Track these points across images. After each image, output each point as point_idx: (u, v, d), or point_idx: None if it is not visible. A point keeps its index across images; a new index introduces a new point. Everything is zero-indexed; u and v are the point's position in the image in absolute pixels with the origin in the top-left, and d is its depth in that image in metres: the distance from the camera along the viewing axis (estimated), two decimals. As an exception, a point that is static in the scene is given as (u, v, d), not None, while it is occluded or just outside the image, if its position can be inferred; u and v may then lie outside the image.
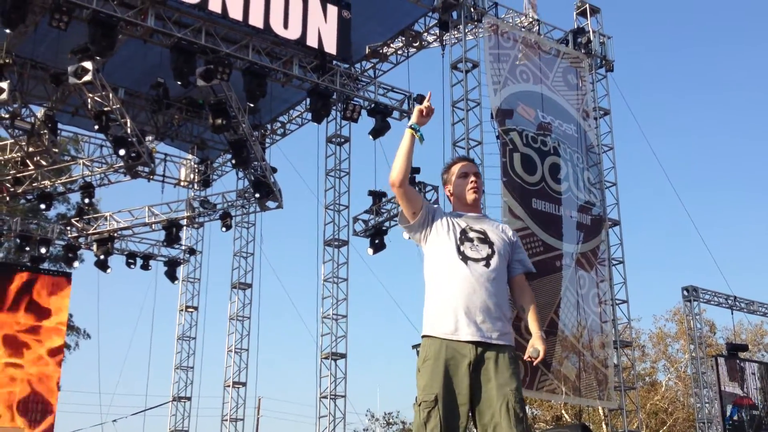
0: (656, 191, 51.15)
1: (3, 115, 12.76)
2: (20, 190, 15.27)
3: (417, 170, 13.95)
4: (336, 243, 15.75)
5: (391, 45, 14.78)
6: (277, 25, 12.04)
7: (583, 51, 14.66)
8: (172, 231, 16.63)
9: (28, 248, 16.47)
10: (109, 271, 16.93)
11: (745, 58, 52.49)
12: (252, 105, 13.11)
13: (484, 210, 8.84)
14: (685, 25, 55.66)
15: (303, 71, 12.92)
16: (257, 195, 15.03)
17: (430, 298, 3.21)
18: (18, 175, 14.95)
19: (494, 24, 13.19)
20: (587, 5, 15.13)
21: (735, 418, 17.64)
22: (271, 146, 17.16)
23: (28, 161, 14.33)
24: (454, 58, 13.18)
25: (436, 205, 3.37)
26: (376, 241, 15.02)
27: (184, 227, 17.82)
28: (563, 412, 25.28)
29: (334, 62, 13.20)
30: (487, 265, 3.17)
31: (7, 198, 15.57)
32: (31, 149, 13.77)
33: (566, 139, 13.42)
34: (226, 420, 17.05)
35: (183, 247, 18.42)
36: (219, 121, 13.10)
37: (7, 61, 12.01)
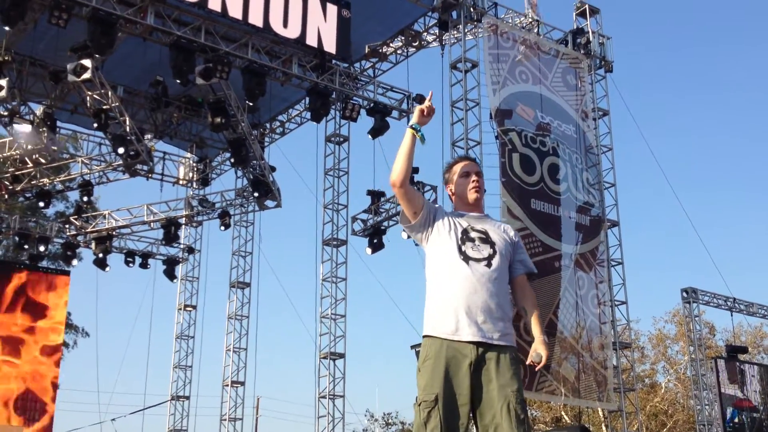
0: (655, 192, 51.13)
1: (2, 112, 12.75)
2: (19, 188, 15.27)
3: (416, 170, 13.93)
4: (335, 242, 15.73)
5: (391, 44, 14.77)
6: (276, 24, 12.03)
7: (582, 51, 14.64)
8: (170, 229, 16.63)
9: (26, 246, 16.45)
10: (108, 269, 16.92)
11: (745, 59, 52.50)
12: (251, 104, 13.11)
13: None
14: (684, 25, 55.68)
15: (302, 70, 12.91)
16: (256, 194, 15.02)
17: (431, 298, 3.19)
18: (17, 173, 14.94)
19: (494, 24, 13.18)
20: (587, 6, 15.12)
21: (735, 420, 17.61)
22: (270, 145, 17.16)
23: (27, 159, 14.32)
24: (454, 57, 13.19)
25: (437, 205, 3.35)
26: (375, 241, 15.01)
27: (183, 226, 17.81)
28: (563, 413, 25.25)
29: (334, 61, 13.20)
30: (489, 265, 3.15)
31: (6, 196, 15.57)
32: (30, 147, 13.76)
33: (565, 139, 13.41)
34: (225, 419, 17.03)
35: (182, 246, 18.41)
36: (218, 119, 13.10)
37: (6, 58, 12.01)
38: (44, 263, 17.85)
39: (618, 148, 15.42)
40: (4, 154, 14.71)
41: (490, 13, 13.56)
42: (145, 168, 15.46)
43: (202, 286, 18.80)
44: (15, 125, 13.19)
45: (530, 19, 14.32)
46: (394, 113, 14.23)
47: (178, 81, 12.08)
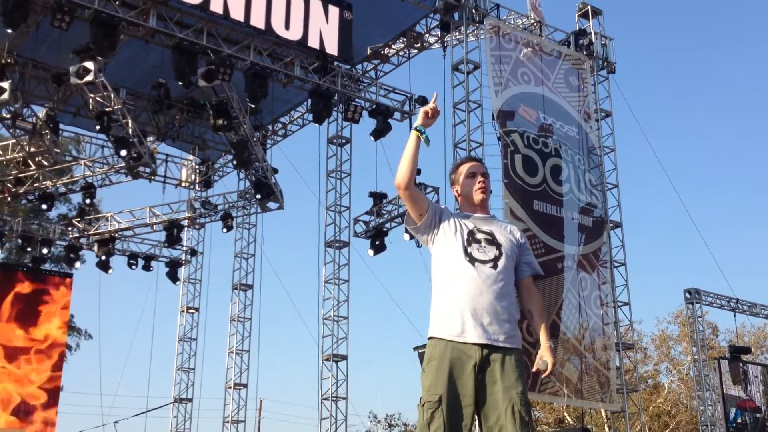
0: (658, 193, 51.14)
1: (4, 115, 12.77)
2: (22, 191, 15.28)
3: (418, 172, 13.91)
4: (337, 244, 15.73)
5: (393, 46, 14.77)
6: (278, 26, 12.04)
7: (584, 53, 14.63)
8: (173, 232, 16.63)
9: (29, 249, 16.47)
10: (110, 271, 16.93)
11: (747, 60, 52.46)
12: (253, 106, 13.11)
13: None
14: (686, 26, 55.66)
15: (304, 72, 12.92)
16: (258, 196, 15.02)
17: (437, 300, 3.18)
18: (19, 176, 14.95)
19: (496, 25, 13.18)
20: (589, 7, 15.12)
21: (738, 421, 17.58)
22: (272, 147, 17.18)
23: (29, 161, 14.33)
24: (456, 59, 13.19)
25: (443, 206, 3.34)
26: (377, 243, 15.01)
27: (185, 228, 17.81)
28: (565, 414, 25.23)
29: (336, 63, 13.20)
30: (495, 266, 3.14)
31: (9, 198, 15.58)
32: (32, 149, 13.78)
33: (568, 140, 13.40)
34: (228, 422, 17.03)
35: (184, 248, 18.42)
36: (220, 121, 13.10)
37: (8, 61, 12.02)
38: (47, 266, 17.86)
39: (620, 149, 15.40)
40: (7, 157, 14.73)
41: (492, 14, 13.56)
42: (148, 170, 15.47)
43: (204, 289, 18.80)
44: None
45: (532, 21, 14.31)
46: (396, 115, 14.23)
47: (180, 83, 12.10)
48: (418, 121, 3.19)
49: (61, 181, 16.12)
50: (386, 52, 14.84)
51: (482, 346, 3.05)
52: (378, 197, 15.16)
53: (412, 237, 14.12)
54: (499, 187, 11.99)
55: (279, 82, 13.38)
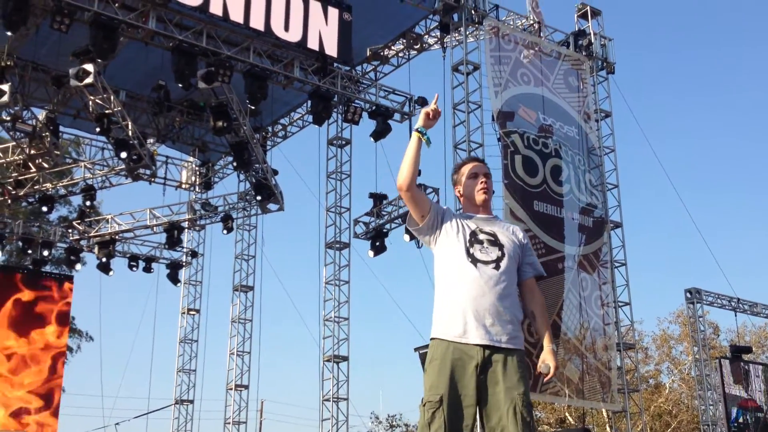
0: (658, 193, 51.13)
1: (4, 117, 12.76)
2: (22, 193, 15.28)
3: (418, 173, 13.91)
4: (337, 245, 15.73)
5: (392, 47, 14.78)
6: (278, 28, 12.04)
7: (584, 53, 14.63)
8: (173, 233, 16.64)
9: (30, 251, 16.48)
10: (111, 273, 16.94)
11: (747, 60, 52.46)
12: (253, 107, 13.11)
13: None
14: (686, 26, 55.65)
15: (304, 73, 12.92)
16: (258, 197, 15.03)
17: (440, 301, 3.19)
18: (20, 178, 14.95)
19: (495, 26, 13.18)
20: (588, 7, 15.12)
21: (740, 420, 17.58)
22: (272, 149, 17.18)
23: (29, 164, 14.33)
24: (455, 60, 13.19)
25: (445, 207, 3.34)
26: (377, 244, 15.01)
27: (186, 230, 17.81)
28: (567, 414, 25.22)
29: (335, 65, 13.20)
30: (497, 267, 3.14)
31: (9, 201, 15.58)
32: (32, 152, 13.78)
33: (567, 141, 13.40)
34: (229, 423, 17.02)
35: (185, 250, 18.42)
36: (220, 123, 13.11)
37: (8, 63, 12.03)
38: (47, 268, 17.87)
39: (620, 150, 15.39)
40: (7, 159, 14.73)
41: (492, 15, 13.56)
42: (148, 172, 15.48)
43: (205, 290, 18.81)
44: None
45: (531, 21, 14.31)
46: (396, 116, 14.23)
47: (180, 85, 12.11)
48: (419, 122, 3.19)
49: (61, 184, 16.13)
50: (386, 53, 14.85)
51: (484, 346, 3.05)
52: (378, 198, 15.16)
53: (412, 238, 14.12)
54: (499, 188, 12.00)
55: (279, 84, 13.38)
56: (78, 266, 17.16)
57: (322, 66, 12.74)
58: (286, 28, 12.10)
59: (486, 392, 3.03)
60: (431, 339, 3.17)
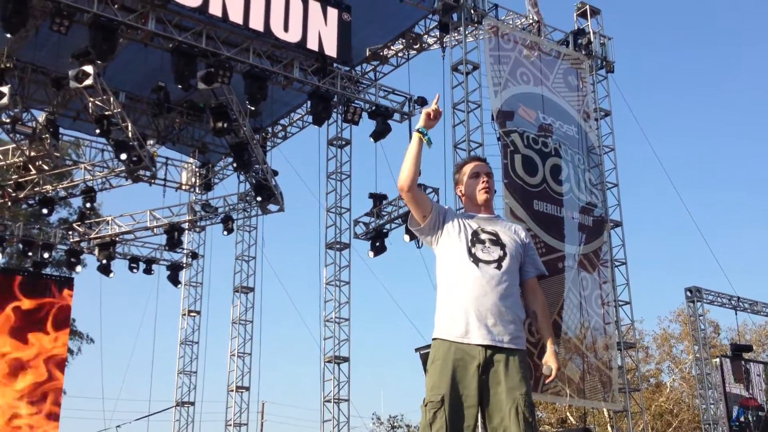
0: (658, 192, 51.14)
1: (4, 119, 12.76)
2: (22, 195, 15.27)
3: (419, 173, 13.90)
4: (338, 246, 15.73)
5: (392, 47, 14.78)
6: (277, 29, 12.05)
7: (583, 52, 14.64)
8: (173, 235, 16.63)
9: (30, 253, 16.47)
10: (112, 275, 16.93)
11: (746, 59, 52.46)
12: (253, 108, 13.12)
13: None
14: (685, 25, 55.66)
15: (304, 74, 12.92)
16: (259, 198, 15.03)
17: (442, 301, 3.18)
18: (20, 180, 14.95)
19: (494, 26, 13.18)
20: (587, 6, 15.12)
21: (741, 419, 17.57)
22: (272, 149, 17.18)
23: (29, 166, 14.33)
24: (455, 60, 13.19)
25: (447, 207, 3.34)
26: (377, 244, 15.00)
27: (186, 231, 17.80)
28: (568, 414, 25.21)
29: (335, 65, 13.20)
30: (499, 267, 3.14)
31: (9, 203, 15.58)
32: (32, 154, 13.78)
33: (567, 140, 13.40)
34: (230, 425, 17.02)
35: (185, 251, 18.42)
36: (220, 124, 13.11)
37: (8, 65, 12.02)
38: (48, 270, 17.86)
39: (620, 149, 15.39)
40: (7, 161, 14.73)
41: (491, 14, 13.56)
42: (148, 174, 15.48)
43: (205, 292, 18.79)
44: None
45: (531, 21, 14.32)
46: (396, 116, 14.23)
47: (179, 86, 12.10)
48: (420, 122, 3.19)
49: (61, 185, 16.13)
50: (385, 53, 14.85)
51: (486, 347, 3.05)
52: (378, 198, 15.15)
53: (412, 238, 14.12)
54: (499, 188, 12.00)
55: (278, 84, 13.38)
56: (78, 268, 17.15)
57: (322, 66, 12.74)
58: (286, 29, 12.11)
59: (488, 392, 3.03)
60: (433, 339, 3.17)
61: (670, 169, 45.55)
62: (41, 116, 13.98)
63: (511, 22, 14.06)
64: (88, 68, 11.53)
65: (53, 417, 15.56)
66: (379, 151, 15.42)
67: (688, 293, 18.27)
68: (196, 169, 17.72)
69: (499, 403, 3.01)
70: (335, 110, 14.61)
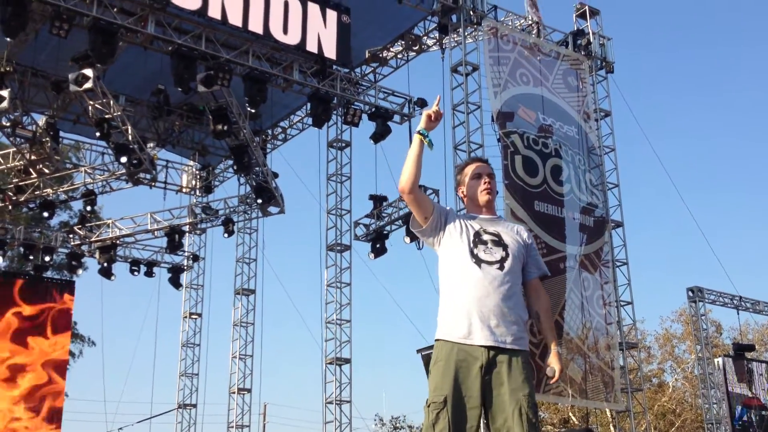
0: (659, 192, 51.13)
1: (4, 123, 12.78)
2: (22, 199, 15.28)
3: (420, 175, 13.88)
4: (338, 248, 15.72)
5: (391, 49, 14.79)
6: (276, 31, 12.05)
7: (583, 53, 14.63)
8: (174, 238, 16.63)
9: (31, 257, 16.47)
10: (113, 278, 16.94)
11: (746, 59, 52.45)
12: (253, 110, 13.12)
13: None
14: (684, 26, 55.66)
15: (303, 76, 12.92)
16: (259, 200, 15.03)
17: (444, 302, 3.18)
18: (20, 184, 14.96)
19: (494, 27, 13.18)
20: (586, 7, 15.11)
21: (744, 418, 17.55)
22: (272, 152, 17.18)
23: (30, 169, 14.34)
24: (454, 61, 13.18)
25: (449, 208, 3.33)
26: (377, 246, 14.99)
27: (187, 234, 17.81)
28: (570, 414, 25.18)
29: (334, 67, 13.20)
30: (501, 267, 3.13)
31: (10, 207, 15.58)
32: (33, 157, 13.79)
33: (567, 140, 13.39)
34: (232, 427, 17.01)
35: (186, 254, 18.42)
36: (220, 127, 13.11)
37: (7, 69, 12.04)
38: (49, 273, 17.85)
39: (620, 149, 15.38)
40: (8, 165, 14.74)
41: (490, 16, 13.55)
42: (148, 176, 15.49)
43: (206, 294, 18.79)
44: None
45: (530, 22, 14.31)
46: (396, 117, 14.23)
47: (179, 89, 12.10)
48: (420, 124, 3.18)
49: (61, 189, 16.14)
50: (385, 55, 14.85)
51: (489, 348, 3.04)
52: (378, 200, 15.14)
53: (412, 240, 14.11)
54: (500, 189, 12.00)
55: (278, 87, 13.38)
56: (79, 271, 17.16)
57: (321, 68, 12.74)
58: (285, 31, 12.11)
59: (491, 393, 3.03)
60: (436, 340, 3.16)
61: (670, 169, 45.53)
62: (41, 120, 13.98)
63: (510, 23, 14.05)
64: (88, 71, 11.53)
65: (54, 420, 15.55)
66: (379, 153, 15.45)
67: (690, 293, 18.25)
68: (197, 172, 17.73)
69: (502, 404, 3.01)
70: (335, 112, 14.62)
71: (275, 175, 15.26)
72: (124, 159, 13.14)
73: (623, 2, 52.79)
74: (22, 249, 16.61)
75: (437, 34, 14.11)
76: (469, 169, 3.34)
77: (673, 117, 52.77)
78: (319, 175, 16.25)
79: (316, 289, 15.90)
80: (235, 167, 14.97)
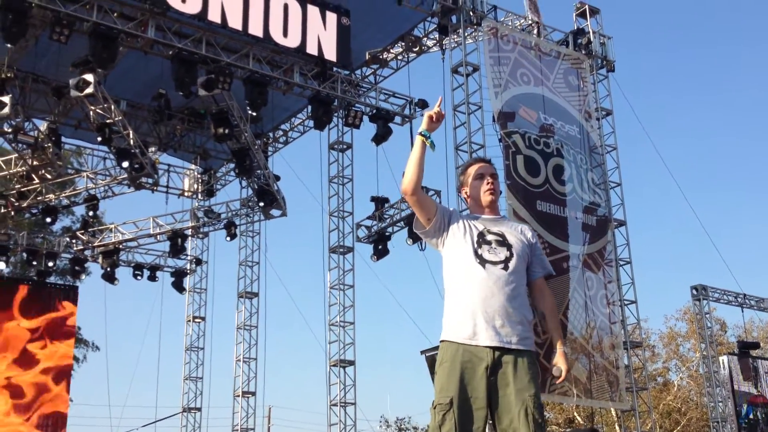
0: (661, 190, 51.02)
1: (6, 129, 12.79)
2: (25, 204, 15.29)
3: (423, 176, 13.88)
4: (341, 250, 15.71)
5: (391, 50, 14.78)
6: (276, 34, 12.06)
7: (583, 52, 14.61)
8: (177, 241, 16.64)
9: (34, 262, 16.49)
10: (116, 283, 16.95)
11: (746, 59, 52.39)
12: (254, 113, 13.12)
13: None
14: (684, 24, 55.61)
15: (304, 79, 12.93)
16: (261, 203, 15.03)
17: (449, 303, 3.17)
18: (23, 189, 14.98)
19: (494, 27, 13.17)
20: (587, 6, 15.09)
21: (750, 417, 17.50)
22: (274, 154, 17.17)
23: (32, 175, 14.36)
24: (455, 62, 13.17)
25: (452, 209, 3.33)
26: (379, 247, 14.99)
27: (189, 237, 17.82)
28: (575, 414, 25.14)
29: (335, 69, 13.21)
30: (506, 267, 3.12)
31: (13, 213, 15.60)
32: (35, 163, 13.81)
33: (569, 140, 13.37)
34: (237, 430, 17.01)
35: (189, 258, 18.43)
36: (221, 130, 13.12)
37: (8, 75, 12.05)
38: (52, 279, 17.86)
39: (622, 148, 15.37)
40: (10, 171, 14.76)
41: (490, 16, 13.54)
42: (150, 181, 15.51)
43: (210, 298, 18.83)
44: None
45: (530, 21, 14.30)
46: (397, 119, 14.23)
47: (180, 93, 12.12)
48: (422, 125, 3.17)
49: (64, 194, 16.15)
50: (385, 56, 14.85)
51: (494, 348, 3.03)
52: (379, 202, 15.14)
53: (414, 241, 14.09)
54: (502, 189, 11.96)
55: (279, 90, 13.39)
56: (83, 276, 17.17)
57: (322, 71, 12.74)
58: (285, 34, 12.11)
59: (497, 394, 3.02)
60: (441, 341, 3.16)
61: (672, 167, 45.49)
62: (43, 125, 14.00)
63: (510, 23, 14.04)
64: (89, 77, 11.55)
65: (59, 427, 15.56)
66: (381, 155, 15.46)
67: (694, 291, 18.21)
68: (198, 176, 17.74)
69: (508, 404, 3.00)
70: (336, 114, 14.61)
71: (277, 178, 15.26)
72: (125, 163, 13.15)
73: (623, 1, 52.79)
74: (25, 255, 16.63)
75: (437, 35, 14.10)
76: (472, 170, 3.33)
77: (673, 116, 52.76)
78: (320, 178, 16.23)
79: (319, 291, 15.88)
80: (236, 170, 14.97)
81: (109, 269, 16.66)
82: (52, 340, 15.90)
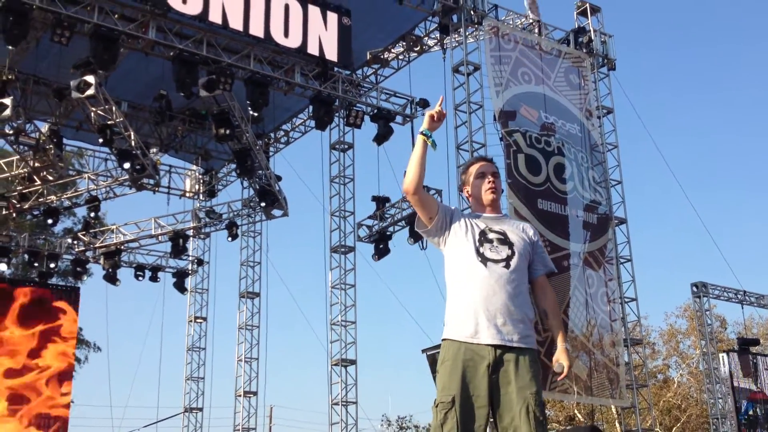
0: (662, 188, 51.04)
1: (7, 131, 12.82)
2: (27, 206, 15.32)
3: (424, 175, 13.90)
4: (342, 249, 15.73)
5: (392, 50, 14.80)
6: (277, 34, 12.07)
7: (584, 50, 14.63)
8: (178, 242, 16.65)
9: (36, 264, 16.51)
10: (118, 284, 16.97)
11: (746, 57, 52.41)
12: (255, 114, 13.13)
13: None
14: (684, 23, 55.62)
15: (305, 79, 12.94)
16: (262, 204, 15.05)
17: (451, 301, 3.18)
18: (24, 191, 15.00)
19: (494, 26, 13.19)
20: (587, 4, 15.11)
21: (750, 413, 17.53)
22: (275, 155, 17.18)
23: (34, 177, 14.38)
24: (456, 61, 13.19)
25: (453, 207, 3.34)
26: (381, 247, 15.01)
27: (191, 238, 17.84)
28: (576, 411, 25.18)
29: (336, 69, 13.22)
30: (507, 266, 3.13)
31: (14, 214, 15.62)
32: (36, 164, 13.83)
33: (570, 138, 13.40)
34: (239, 430, 17.03)
35: (190, 258, 18.45)
36: (222, 131, 13.14)
37: (9, 77, 12.07)
38: (54, 280, 17.88)
39: (623, 146, 15.41)
40: (12, 173, 14.78)
41: (491, 15, 13.57)
42: (152, 182, 15.52)
43: (211, 298, 18.86)
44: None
45: (531, 20, 14.32)
46: (398, 119, 14.24)
47: (181, 94, 12.13)
48: (424, 125, 3.18)
49: (65, 195, 16.17)
50: (386, 56, 14.87)
51: (496, 346, 3.05)
52: (381, 201, 15.16)
53: (416, 241, 14.12)
54: (503, 188, 12.00)
55: (280, 90, 13.41)
56: (84, 277, 17.21)
57: (323, 71, 12.76)
58: (286, 34, 12.13)
59: (498, 392, 3.03)
60: (443, 340, 3.17)
61: (673, 165, 45.59)
62: (44, 127, 14.02)
63: (511, 22, 14.06)
64: (90, 78, 11.57)
65: (60, 428, 15.58)
66: (382, 154, 15.48)
67: (694, 288, 18.24)
68: (200, 176, 17.76)
69: (509, 402, 3.01)
70: (337, 114, 14.63)
71: (278, 178, 15.29)
72: (127, 165, 13.18)
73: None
74: (26, 256, 16.65)
75: (438, 35, 14.12)
76: (474, 169, 3.35)
77: (674, 114, 52.78)
78: (322, 178, 16.25)
79: (320, 291, 15.93)
80: (238, 171, 14.99)
81: (110, 270, 16.68)
82: (54, 341, 15.92)
